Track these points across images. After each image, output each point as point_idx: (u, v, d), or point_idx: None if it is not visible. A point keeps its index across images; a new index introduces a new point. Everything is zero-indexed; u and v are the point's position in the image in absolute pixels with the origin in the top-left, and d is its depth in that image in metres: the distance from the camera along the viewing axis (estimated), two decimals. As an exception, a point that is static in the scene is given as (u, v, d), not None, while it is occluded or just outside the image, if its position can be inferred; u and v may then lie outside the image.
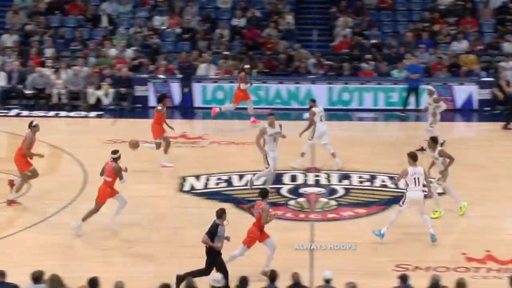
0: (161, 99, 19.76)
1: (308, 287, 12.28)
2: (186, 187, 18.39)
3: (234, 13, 28.79)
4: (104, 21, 28.74)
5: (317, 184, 18.54)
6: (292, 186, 18.39)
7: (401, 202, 15.20)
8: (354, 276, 12.29)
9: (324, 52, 27.27)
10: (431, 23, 27.70)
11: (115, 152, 15.60)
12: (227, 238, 13.25)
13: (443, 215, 16.44)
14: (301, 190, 18.11)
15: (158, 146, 19.29)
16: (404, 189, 15.45)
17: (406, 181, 15.10)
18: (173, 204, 17.59)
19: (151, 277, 13.29)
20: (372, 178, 18.74)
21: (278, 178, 18.66)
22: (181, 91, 25.58)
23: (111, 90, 25.76)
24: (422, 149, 19.35)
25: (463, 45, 26.73)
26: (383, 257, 14.68)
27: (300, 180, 18.76)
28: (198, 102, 25.77)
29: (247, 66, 23.99)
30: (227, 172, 19.06)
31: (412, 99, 24.45)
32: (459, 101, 24.85)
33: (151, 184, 18.45)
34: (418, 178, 14.99)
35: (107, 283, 11.38)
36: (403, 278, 12.06)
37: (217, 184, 18.61)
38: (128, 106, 25.83)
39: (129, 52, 27.20)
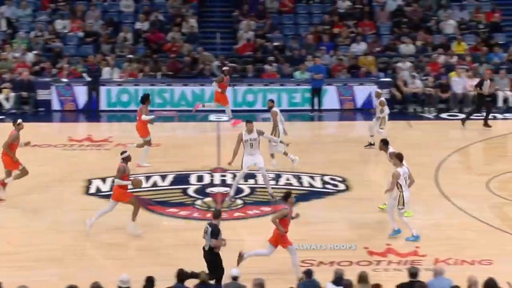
0: (146, 98, 19.71)
1: (216, 285, 12.35)
2: (92, 190, 18.17)
3: (137, 17, 28.61)
4: (3, 25, 28.09)
5: (223, 184, 18.62)
6: (198, 186, 18.43)
7: (399, 206, 15.29)
8: (261, 274, 12.39)
9: (228, 54, 27.42)
10: (331, 26, 28.23)
11: (123, 152, 15.54)
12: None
13: (349, 211, 16.83)
14: (208, 190, 18.16)
15: (148, 143, 19.42)
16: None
17: (398, 183, 15.20)
18: (78, 207, 17.33)
19: (55, 280, 13.09)
20: (277, 177, 18.95)
21: (185, 179, 18.70)
22: (88, 94, 25.24)
23: (12, 94, 25.21)
24: (370, 144, 20.09)
25: (362, 47, 27.34)
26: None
27: (206, 180, 18.82)
28: (103, 105, 25.48)
29: (226, 68, 23.90)
30: (134, 174, 18.90)
31: (315, 100, 24.84)
32: (360, 101, 25.40)
33: (56, 187, 18.13)
34: (406, 178, 15.30)
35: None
36: (308, 273, 12.28)
37: (124, 186, 18.47)
38: (30, 110, 25.33)
39: (30, 56, 26.68)
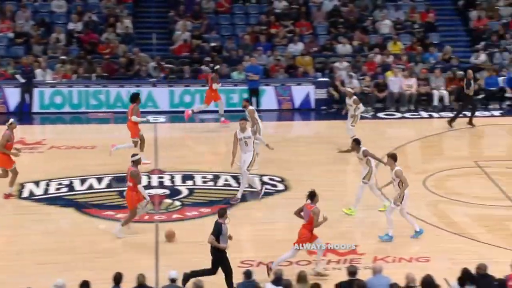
0: (135, 97, 19.57)
1: (152, 288, 12.21)
2: (25, 194, 17.78)
3: (70, 17, 28.15)
4: None
5: (161, 185, 18.42)
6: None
7: (398, 202, 15.27)
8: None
9: (164, 55, 27.18)
10: (268, 26, 28.23)
11: (133, 155, 15.47)
12: (230, 237, 13.20)
13: (288, 211, 16.79)
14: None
15: (136, 144, 19.32)
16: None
17: (397, 182, 15.32)
18: (10, 211, 16.91)
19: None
20: (216, 178, 18.84)
21: (122, 181, 18.43)
22: (21, 96, 24.70)
23: None
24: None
25: (299, 47, 27.41)
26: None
27: (144, 182, 18.54)
28: (35, 107, 24.97)
29: (217, 67, 23.77)
30: (68, 177, 18.58)
31: (253, 100, 24.79)
32: (297, 101, 25.44)
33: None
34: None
35: None
36: (247, 274, 12.22)
37: (58, 189, 18.12)
38: (-41, 112, 24.72)
39: (-42, 57, 26.03)
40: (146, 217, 16.65)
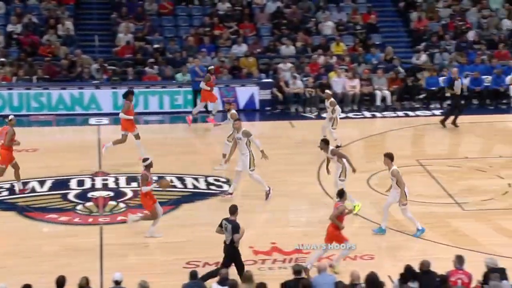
0: (127, 94, 20.12)
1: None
2: (-35, 198, 17.47)
3: (9, 19, 27.71)
4: None
5: (105, 187, 18.27)
6: (79, 191, 18.01)
7: (404, 201, 15.42)
8: (145, 276, 12.22)
9: (107, 57, 26.94)
10: (211, 28, 28.22)
11: (145, 160, 15.47)
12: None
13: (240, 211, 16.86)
14: (89, 195, 17.77)
15: (136, 137, 19.87)
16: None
17: (399, 181, 15.41)
18: None
19: None
20: (160, 179, 18.72)
21: (65, 184, 18.26)
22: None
23: None
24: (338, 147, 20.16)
25: (243, 48, 27.46)
26: (172, 256, 14.74)
27: (88, 184, 18.41)
28: (-27, 110, 24.55)
29: (211, 67, 23.87)
30: (9, 180, 18.27)
31: (198, 101, 24.73)
32: (242, 102, 25.47)
33: None
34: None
35: None
36: (193, 275, 12.20)
37: (-1, 193, 17.87)
38: None
39: None
40: (90, 220, 16.50)
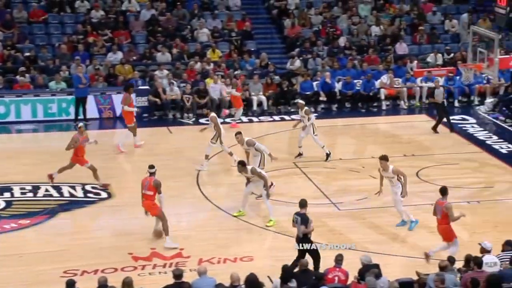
0: (128, 87, 21.70)
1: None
2: None
3: None
4: None
5: None
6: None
7: (405, 195, 15.94)
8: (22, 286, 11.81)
9: (-25, 66, 25.96)
10: (85, 36, 27.66)
11: (151, 167, 15.61)
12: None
13: (112, 218, 16.59)
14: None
15: (132, 130, 21.21)
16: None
17: (395, 178, 15.92)
18: None
19: None
20: (35, 189, 18.19)
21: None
22: None
23: None
24: (299, 155, 20.56)
25: (118, 56, 27.07)
26: (48, 265, 14.33)
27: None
28: None
29: (237, 72, 25.24)
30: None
31: (81, 109, 24.18)
32: (119, 109, 24.94)
33: None
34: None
35: None
36: (70, 284, 11.89)
37: None
38: None
39: None
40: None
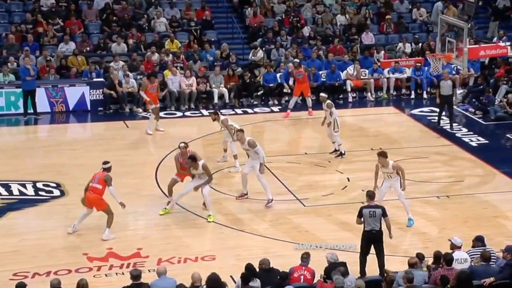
0: (152, 75, 23.19)
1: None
2: None
3: None
4: None
5: None
6: None
7: (403, 188, 16.14)
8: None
9: None
10: (34, 25, 27.34)
11: (105, 162, 15.86)
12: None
13: (66, 217, 16.47)
14: None
15: (155, 112, 22.36)
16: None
17: (394, 173, 16.05)
18: None
19: None
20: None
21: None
22: None
23: None
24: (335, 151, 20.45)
25: (71, 46, 26.80)
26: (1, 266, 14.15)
27: None
28: None
29: (296, 60, 25.39)
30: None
31: (30, 103, 23.88)
32: (72, 102, 24.79)
33: None
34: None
35: None
36: (135, 276, 11.97)
37: None
38: None
39: None
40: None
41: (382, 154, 16.29)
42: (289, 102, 24.75)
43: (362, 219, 13.75)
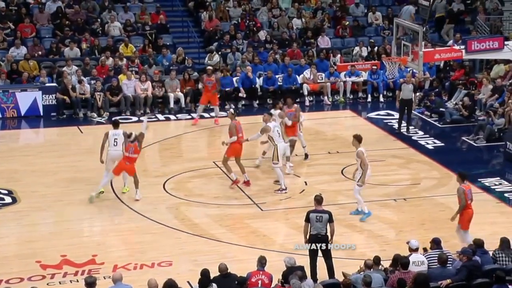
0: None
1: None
2: None
3: None
4: None
5: None
6: None
7: (361, 182, 16.41)
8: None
9: None
10: (-17, 29, 27.05)
11: (129, 135, 17.46)
12: None
13: (18, 225, 16.34)
14: None
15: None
16: None
17: (358, 164, 16.45)
18: None
19: None
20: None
21: None
22: None
23: None
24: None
25: (22, 50, 26.52)
26: None
27: None
28: None
29: (210, 68, 24.94)
30: None
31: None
32: (24, 108, 24.52)
33: None
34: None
35: None
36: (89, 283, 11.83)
37: None
38: None
39: None
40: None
41: (355, 137, 16.68)
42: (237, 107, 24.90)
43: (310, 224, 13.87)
